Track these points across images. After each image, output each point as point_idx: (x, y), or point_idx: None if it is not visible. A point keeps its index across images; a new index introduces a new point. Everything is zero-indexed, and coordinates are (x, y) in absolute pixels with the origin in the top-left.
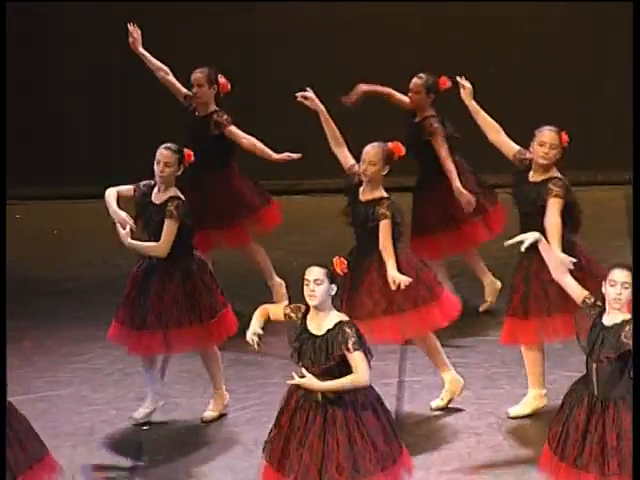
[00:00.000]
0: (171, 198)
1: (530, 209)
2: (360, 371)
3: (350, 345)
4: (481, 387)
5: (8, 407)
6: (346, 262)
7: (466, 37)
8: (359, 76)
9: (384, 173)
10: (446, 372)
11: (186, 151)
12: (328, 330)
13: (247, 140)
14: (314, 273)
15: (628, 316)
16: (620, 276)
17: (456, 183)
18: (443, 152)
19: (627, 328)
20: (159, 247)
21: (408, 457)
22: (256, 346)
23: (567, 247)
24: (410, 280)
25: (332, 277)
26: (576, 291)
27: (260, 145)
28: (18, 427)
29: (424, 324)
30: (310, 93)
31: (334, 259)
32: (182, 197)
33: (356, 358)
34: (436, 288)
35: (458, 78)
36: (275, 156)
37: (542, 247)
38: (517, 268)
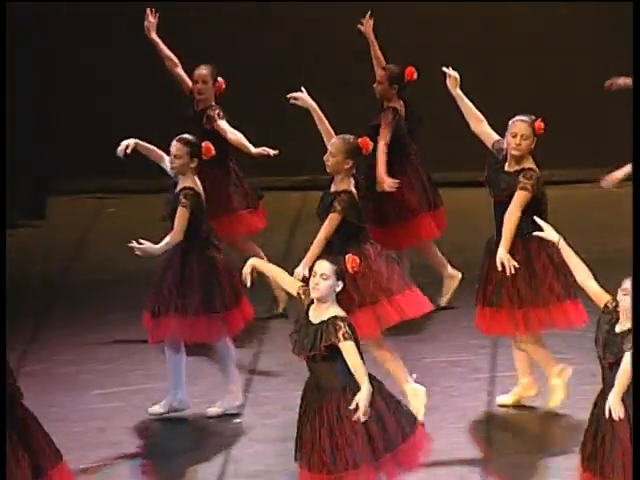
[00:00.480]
0: (184, 188)
1: (501, 198)
2: (353, 359)
3: (340, 335)
4: (578, 383)
5: (25, 414)
6: (358, 260)
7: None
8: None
9: (347, 167)
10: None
11: (204, 145)
12: (322, 321)
13: (233, 135)
14: (322, 267)
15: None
16: None
17: (381, 170)
18: (381, 141)
19: (629, 337)
20: (173, 236)
21: (392, 465)
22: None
23: (527, 240)
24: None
25: (340, 274)
26: (598, 295)
27: (243, 140)
28: (35, 433)
29: (397, 314)
30: (300, 93)
31: (347, 255)
32: (196, 188)
33: (347, 347)
34: (407, 280)
35: (444, 68)
36: (253, 150)
37: (563, 249)
38: (487, 259)
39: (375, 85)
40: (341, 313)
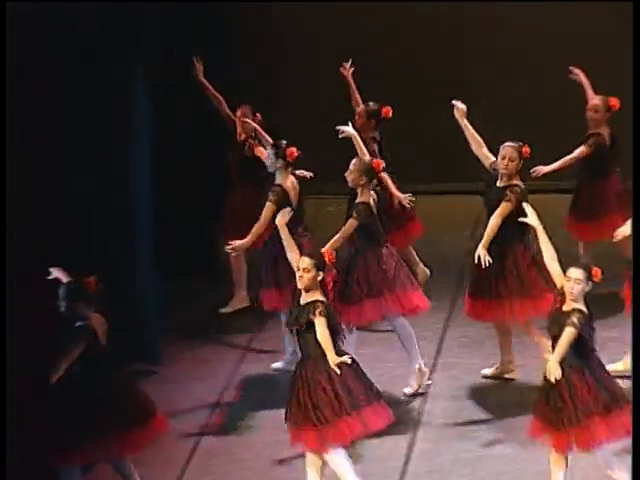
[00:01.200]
0: (274, 185)
1: (492, 208)
2: (321, 331)
3: (317, 312)
4: None
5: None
6: (334, 252)
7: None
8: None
9: (362, 182)
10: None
11: (289, 150)
12: (307, 303)
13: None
14: (304, 262)
15: (577, 306)
16: (573, 273)
17: (392, 189)
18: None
19: (572, 316)
20: (257, 227)
21: (359, 422)
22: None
23: (514, 245)
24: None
25: (320, 266)
26: (558, 276)
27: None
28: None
29: (401, 306)
30: (346, 127)
31: (323, 249)
32: (284, 185)
33: (318, 321)
34: (412, 280)
35: (454, 101)
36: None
37: (539, 234)
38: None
39: (356, 118)
40: (322, 298)
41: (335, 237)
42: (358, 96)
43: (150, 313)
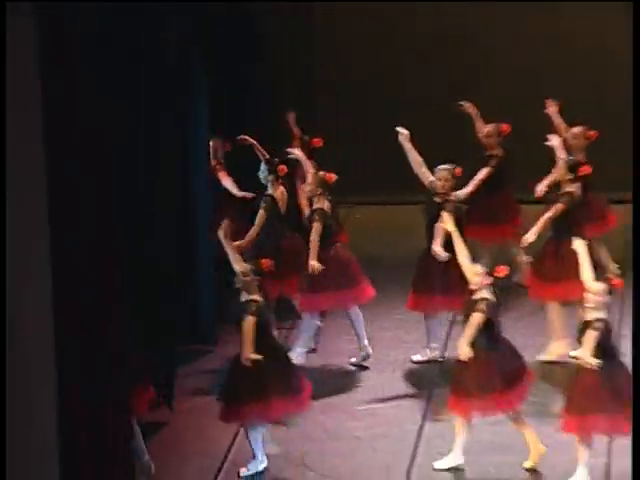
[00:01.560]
0: (264, 195)
1: (432, 220)
2: (246, 329)
3: (248, 311)
4: None
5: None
6: (271, 262)
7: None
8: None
9: (319, 192)
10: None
11: (280, 166)
12: (245, 301)
13: (225, 181)
14: (243, 267)
15: (484, 295)
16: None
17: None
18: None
19: (479, 303)
20: (251, 231)
21: (255, 410)
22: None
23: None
24: (321, 267)
25: (256, 272)
26: (469, 272)
27: (231, 186)
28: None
29: (354, 296)
30: (293, 149)
31: (263, 260)
32: (274, 194)
33: (246, 320)
34: (359, 274)
35: (397, 128)
36: (237, 194)
37: (454, 237)
38: (423, 259)
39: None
40: (257, 298)
41: (311, 245)
42: (298, 132)
43: (207, 306)
